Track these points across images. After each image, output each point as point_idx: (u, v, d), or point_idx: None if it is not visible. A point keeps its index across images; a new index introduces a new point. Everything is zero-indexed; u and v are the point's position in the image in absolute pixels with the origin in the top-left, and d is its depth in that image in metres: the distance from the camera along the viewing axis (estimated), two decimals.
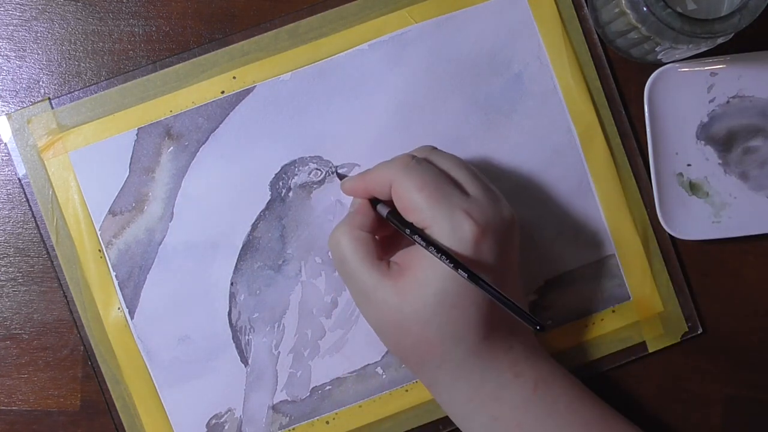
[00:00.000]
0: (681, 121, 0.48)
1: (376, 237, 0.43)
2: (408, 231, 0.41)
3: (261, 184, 0.48)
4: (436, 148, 0.45)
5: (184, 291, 0.48)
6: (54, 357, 0.48)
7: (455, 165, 0.43)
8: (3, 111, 0.48)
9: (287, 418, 0.48)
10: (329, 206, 0.48)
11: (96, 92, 0.48)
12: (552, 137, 0.49)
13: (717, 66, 0.48)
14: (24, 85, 0.49)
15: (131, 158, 0.48)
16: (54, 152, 0.48)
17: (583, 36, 0.49)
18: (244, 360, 0.48)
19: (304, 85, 0.48)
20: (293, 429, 0.48)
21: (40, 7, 0.49)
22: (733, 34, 0.43)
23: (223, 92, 0.48)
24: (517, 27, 0.49)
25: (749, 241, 0.49)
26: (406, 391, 0.48)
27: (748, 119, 0.49)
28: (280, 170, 0.48)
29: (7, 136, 0.48)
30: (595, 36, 0.49)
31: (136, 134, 0.48)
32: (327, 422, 0.48)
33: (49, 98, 0.48)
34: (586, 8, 0.49)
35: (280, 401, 0.48)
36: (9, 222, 0.48)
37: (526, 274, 0.49)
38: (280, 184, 0.48)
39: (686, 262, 0.49)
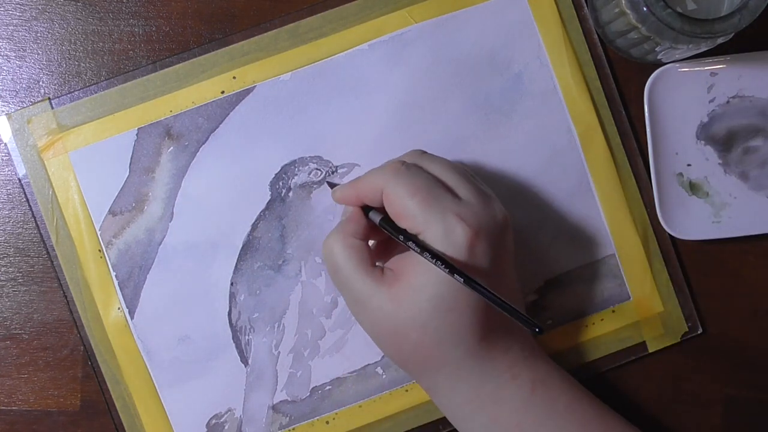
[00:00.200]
0: (681, 121, 0.48)
1: (370, 244, 0.43)
2: (401, 237, 0.40)
3: (261, 184, 0.48)
4: (425, 152, 0.45)
5: (184, 291, 0.48)
6: (54, 357, 0.48)
7: (446, 168, 0.43)
8: (3, 111, 0.48)
9: (287, 418, 0.48)
10: (329, 206, 0.48)
11: (96, 92, 0.48)
12: (552, 137, 0.49)
13: (717, 66, 0.48)
14: (24, 85, 0.49)
15: (131, 158, 0.48)
16: (54, 152, 0.48)
17: (583, 36, 0.49)
18: (244, 360, 0.48)
19: (304, 85, 0.48)
20: (293, 429, 0.48)
21: (40, 7, 0.49)
22: (733, 34, 0.43)
23: (223, 92, 0.48)
24: (517, 27, 0.49)
25: (749, 241, 0.49)
26: (406, 391, 0.48)
27: (748, 119, 0.49)
28: (280, 170, 0.48)
29: (7, 136, 0.48)
30: (595, 36, 0.49)
31: (136, 134, 0.48)
32: (327, 422, 0.48)
33: (49, 98, 0.48)
34: (586, 8, 0.49)
35: (280, 401, 0.48)
36: (9, 222, 0.48)
37: (525, 274, 0.49)
38: (280, 184, 0.48)
39: (686, 262, 0.49)
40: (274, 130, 0.48)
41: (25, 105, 0.48)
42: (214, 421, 0.48)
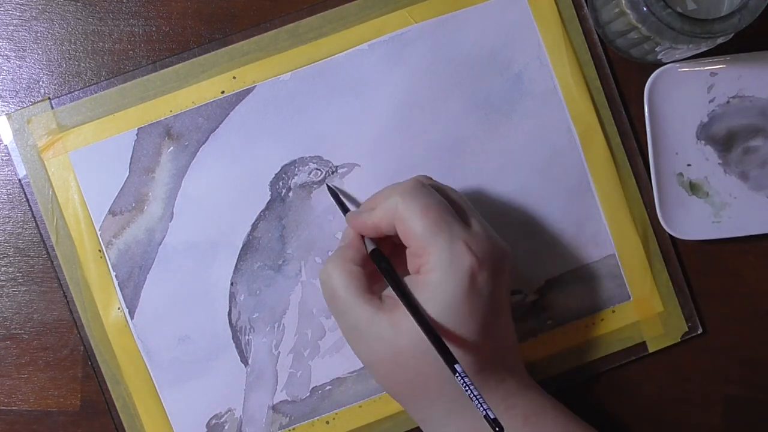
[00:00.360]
0: (681, 121, 0.48)
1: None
2: (384, 274, 0.40)
3: (261, 184, 0.48)
4: (432, 179, 0.45)
5: (184, 291, 0.48)
6: (54, 357, 0.48)
7: (455, 195, 0.43)
8: (3, 111, 0.48)
9: (287, 418, 0.48)
10: (329, 206, 0.48)
11: (96, 92, 0.48)
12: (552, 137, 0.49)
13: (717, 66, 0.48)
14: (24, 85, 0.49)
15: (131, 158, 0.48)
16: (54, 152, 0.48)
17: (583, 36, 0.49)
18: (244, 360, 0.48)
19: (304, 85, 0.48)
20: (293, 429, 0.48)
21: (40, 7, 0.49)
22: (733, 34, 0.43)
23: (223, 92, 0.48)
24: (517, 27, 0.49)
25: (749, 241, 0.49)
26: None
27: (748, 119, 0.49)
28: (280, 170, 0.48)
29: (7, 136, 0.48)
30: (595, 36, 0.49)
31: (136, 134, 0.48)
32: (327, 422, 0.48)
33: (49, 98, 0.48)
34: (586, 8, 0.49)
35: (280, 401, 0.48)
36: (9, 222, 0.48)
37: (526, 274, 0.49)
38: (280, 184, 0.48)
39: (686, 262, 0.49)
40: (274, 130, 0.48)
41: (25, 105, 0.48)
42: (214, 421, 0.48)
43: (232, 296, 0.48)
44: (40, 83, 0.49)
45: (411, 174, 0.48)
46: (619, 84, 0.49)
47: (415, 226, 0.40)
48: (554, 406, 0.43)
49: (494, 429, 0.35)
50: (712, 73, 0.48)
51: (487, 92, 0.49)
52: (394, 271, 0.41)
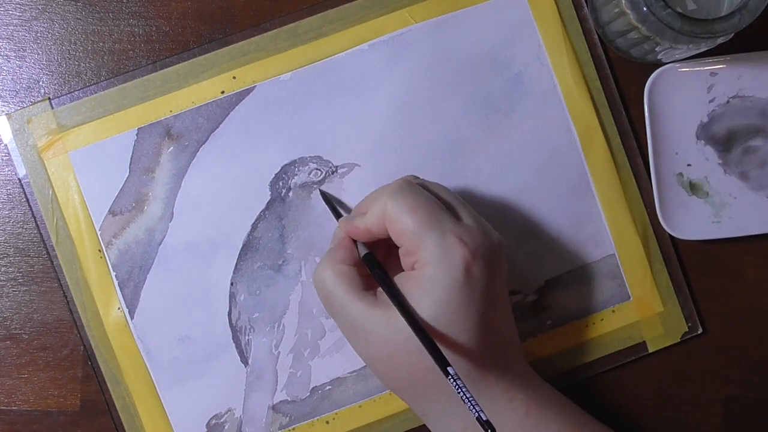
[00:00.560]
0: (681, 121, 0.48)
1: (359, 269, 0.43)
2: (378, 277, 0.40)
3: (261, 184, 0.48)
4: (419, 178, 0.45)
5: (184, 291, 0.48)
6: (54, 357, 0.48)
7: (444, 191, 0.43)
8: (3, 111, 0.48)
9: (287, 418, 0.48)
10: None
11: (96, 92, 0.48)
12: (552, 137, 0.49)
13: (717, 66, 0.48)
14: (24, 85, 0.49)
15: (131, 158, 0.48)
16: (54, 152, 0.48)
17: (583, 36, 0.49)
18: (244, 360, 0.48)
19: (304, 85, 0.48)
20: (293, 429, 0.48)
21: (40, 7, 0.49)
22: (733, 34, 0.43)
23: (223, 92, 0.48)
24: (517, 27, 0.49)
25: (749, 241, 0.49)
26: None
27: (748, 119, 0.49)
28: (280, 170, 0.48)
29: (7, 136, 0.48)
30: (595, 36, 0.49)
31: (136, 134, 0.48)
32: (327, 422, 0.48)
33: (49, 98, 0.48)
34: (586, 8, 0.49)
35: (280, 401, 0.48)
36: (9, 222, 0.48)
37: (525, 274, 0.49)
38: (280, 184, 0.48)
39: (686, 262, 0.49)
40: (274, 130, 0.48)
41: (25, 105, 0.48)
42: (214, 421, 0.48)
43: (232, 296, 0.48)
44: (40, 83, 0.49)
45: (411, 174, 0.48)
46: (619, 84, 0.49)
47: (405, 224, 0.40)
48: (556, 397, 0.43)
49: (485, 430, 0.35)
50: (712, 73, 0.48)
51: (487, 92, 0.49)
52: (386, 275, 0.41)
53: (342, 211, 0.47)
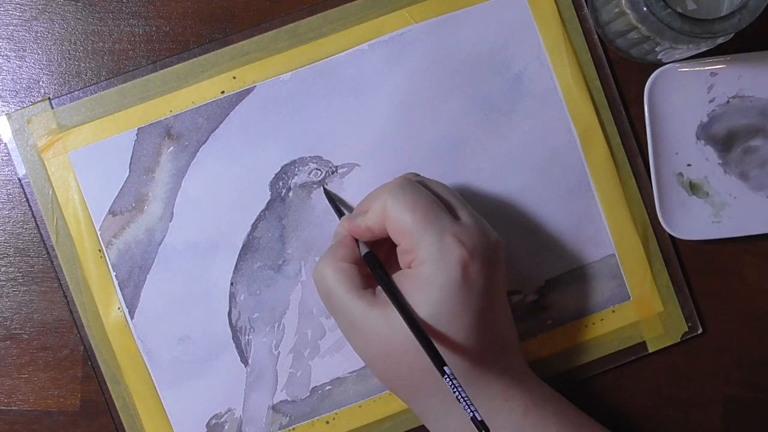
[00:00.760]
0: (681, 121, 0.48)
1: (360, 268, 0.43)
2: (378, 277, 0.40)
3: (261, 184, 0.48)
4: (420, 175, 0.45)
5: (184, 291, 0.48)
6: (54, 357, 0.48)
7: (444, 189, 0.43)
8: (3, 111, 0.48)
9: (287, 418, 0.48)
10: (329, 206, 0.48)
11: (96, 92, 0.48)
12: (552, 137, 0.49)
13: (717, 66, 0.48)
14: (24, 85, 0.49)
15: (131, 158, 0.48)
16: (54, 152, 0.48)
17: (583, 36, 0.49)
18: (244, 360, 0.48)
19: (304, 85, 0.48)
20: (293, 429, 0.48)
21: (40, 7, 0.49)
22: (733, 34, 0.43)
23: (223, 92, 0.48)
24: (517, 27, 0.49)
25: (749, 241, 0.49)
26: None
27: (748, 119, 0.49)
28: (280, 170, 0.48)
29: (7, 136, 0.48)
30: (595, 36, 0.49)
31: (136, 134, 0.48)
32: (327, 422, 0.48)
33: (49, 98, 0.48)
34: (586, 8, 0.49)
35: (280, 401, 0.48)
36: (9, 222, 0.48)
37: (526, 274, 0.49)
38: (280, 184, 0.48)
39: (686, 262, 0.49)
40: (274, 130, 0.48)
41: (25, 105, 0.48)
42: (214, 421, 0.48)
43: (232, 296, 0.48)
44: (40, 83, 0.49)
45: (412, 172, 0.48)
46: (619, 84, 0.49)
47: (403, 222, 0.40)
48: (554, 397, 0.43)
49: (480, 431, 0.35)
50: (712, 73, 0.48)
51: (487, 92, 0.49)
52: (387, 274, 0.41)
53: (344, 210, 0.47)
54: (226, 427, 0.48)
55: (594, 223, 0.49)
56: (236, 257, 0.48)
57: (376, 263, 0.41)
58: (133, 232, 0.48)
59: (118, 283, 0.48)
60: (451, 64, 0.48)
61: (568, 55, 0.49)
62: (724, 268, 0.50)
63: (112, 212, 0.48)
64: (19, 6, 0.49)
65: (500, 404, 0.41)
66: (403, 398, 0.43)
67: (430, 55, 0.48)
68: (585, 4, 0.49)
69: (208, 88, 0.48)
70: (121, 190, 0.48)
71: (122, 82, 0.48)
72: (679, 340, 0.49)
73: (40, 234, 0.48)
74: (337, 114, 0.48)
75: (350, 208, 0.48)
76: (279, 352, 0.48)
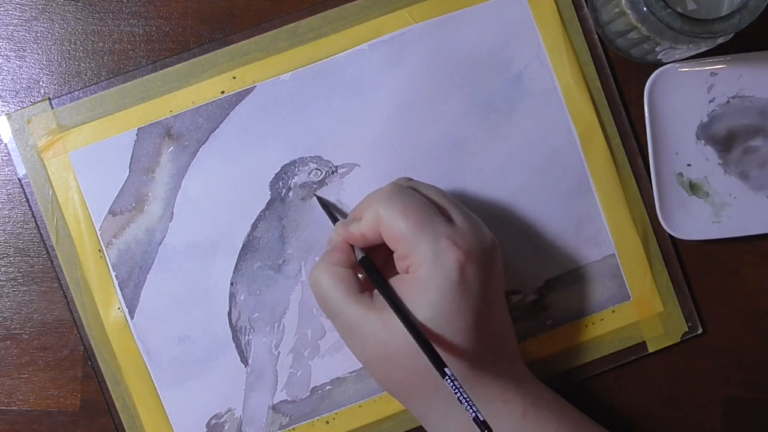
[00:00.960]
0: (681, 121, 0.48)
1: (358, 274, 0.43)
2: (375, 281, 0.40)
3: (261, 184, 0.48)
4: (413, 180, 0.45)
5: (184, 291, 0.48)
6: (54, 357, 0.48)
7: (437, 192, 0.43)
8: (3, 111, 0.48)
9: (287, 418, 0.48)
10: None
11: (96, 92, 0.48)
12: (552, 137, 0.49)
13: (717, 66, 0.48)
14: (24, 85, 0.49)
15: (131, 158, 0.48)
16: (54, 152, 0.48)
17: (583, 36, 0.49)
18: (244, 360, 0.48)
19: (304, 85, 0.48)
20: (293, 429, 0.48)
21: (40, 7, 0.49)
22: (733, 34, 0.43)
23: (223, 92, 0.48)
24: (517, 27, 0.49)
25: (749, 241, 0.49)
26: None
27: (748, 119, 0.49)
28: (280, 170, 0.48)
29: (7, 136, 0.48)
30: (595, 36, 0.49)
31: (136, 134, 0.48)
32: (327, 422, 0.48)
33: (49, 98, 0.48)
34: (586, 8, 0.49)
35: (280, 401, 0.48)
36: (9, 222, 0.48)
37: (526, 274, 0.49)
38: (280, 184, 0.48)
39: (686, 262, 0.49)
40: (274, 130, 0.48)
41: (25, 105, 0.48)
42: (214, 421, 0.48)
43: (232, 296, 0.48)
44: (40, 83, 0.49)
45: (411, 174, 0.48)
46: (619, 84, 0.49)
47: (398, 228, 0.40)
48: (553, 398, 0.43)
49: (482, 431, 0.35)
50: (712, 73, 0.48)
51: (487, 92, 0.49)
52: (383, 278, 0.41)
53: (339, 216, 0.47)
54: (226, 427, 0.48)
55: (594, 223, 0.49)
56: (236, 257, 0.48)
57: (372, 267, 0.41)
58: (133, 232, 0.48)
59: (118, 283, 0.48)
60: (451, 64, 0.48)
61: (568, 55, 0.49)
62: (724, 268, 0.50)
63: (112, 212, 0.48)
64: (19, 6, 0.49)
65: (499, 406, 0.41)
66: (402, 401, 0.43)
67: (430, 55, 0.48)
68: (585, 4, 0.49)
69: (208, 88, 0.48)
70: (121, 190, 0.48)
71: (122, 82, 0.48)
72: (679, 340, 0.49)
73: (40, 234, 0.48)
74: (337, 114, 0.48)
75: (344, 214, 0.48)
76: (279, 352, 0.48)
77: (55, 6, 0.49)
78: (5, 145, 0.48)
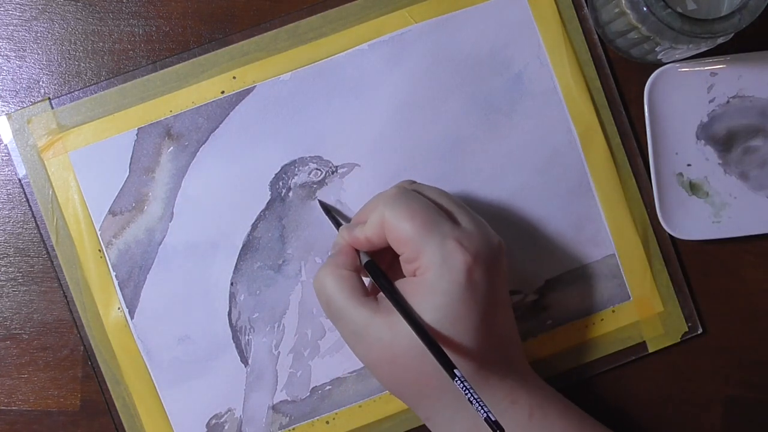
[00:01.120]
0: (681, 121, 0.48)
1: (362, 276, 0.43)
2: (381, 284, 0.40)
3: (261, 184, 0.48)
4: (416, 182, 0.45)
5: (184, 291, 0.48)
6: (54, 357, 0.48)
7: (441, 194, 0.43)
8: (3, 111, 0.48)
9: (287, 418, 0.48)
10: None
11: (96, 92, 0.48)
12: (552, 137, 0.49)
13: (717, 66, 0.48)
14: (24, 85, 0.49)
15: (131, 158, 0.48)
16: (54, 152, 0.48)
17: (583, 36, 0.49)
18: (244, 360, 0.48)
19: (304, 85, 0.48)
20: (293, 429, 0.48)
21: (40, 7, 0.49)
22: (733, 34, 0.43)
23: (223, 92, 0.48)
24: (517, 27, 0.49)
25: (749, 241, 0.50)
26: None
27: (748, 119, 0.49)
28: (280, 170, 0.48)
29: (7, 136, 0.48)
30: (595, 36, 0.49)
31: (136, 134, 0.48)
32: (327, 422, 0.48)
33: (49, 98, 0.48)
34: (586, 8, 0.49)
35: (280, 401, 0.48)
36: (9, 222, 0.48)
37: (526, 274, 0.49)
38: (280, 184, 0.48)
39: (686, 262, 0.49)
40: (274, 130, 0.48)
41: (25, 105, 0.48)
42: (214, 421, 0.48)
43: (232, 296, 0.48)
44: (40, 83, 0.49)
45: (411, 174, 0.48)
46: (619, 84, 0.49)
47: (404, 232, 0.40)
48: (558, 399, 0.43)
49: (494, 431, 0.35)
50: (712, 73, 0.48)
51: (487, 92, 0.49)
52: (389, 281, 0.41)
53: (341, 220, 0.47)
54: (226, 427, 0.48)
55: (594, 223, 0.49)
56: (236, 257, 0.48)
57: (377, 271, 0.41)
58: (133, 232, 0.48)
59: (118, 283, 0.48)
60: (451, 64, 0.49)
61: (568, 55, 0.49)
62: (723, 268, 0.50)
63: (112, 212, 0.48)
64: (19, 6, 0.49)
65: (506, 406, 0.41)
66: (409, 403, 0.43)
67: (430, 55, 0.48)
68: (585, 4, 0.49)
69: (208, 88, 0.48)
70: (121, 190, 0.48)
71: (122, 82, 0.48)
72: (679, 340, 0.49)
73: (40, 234, 0.48)
74: (337, 114, 0.48)
75: (347, 218, 0.48)
76: (279, 352, 0.48)
77: (55, 6, 0.49)
78: (5, 145, 0.48)
